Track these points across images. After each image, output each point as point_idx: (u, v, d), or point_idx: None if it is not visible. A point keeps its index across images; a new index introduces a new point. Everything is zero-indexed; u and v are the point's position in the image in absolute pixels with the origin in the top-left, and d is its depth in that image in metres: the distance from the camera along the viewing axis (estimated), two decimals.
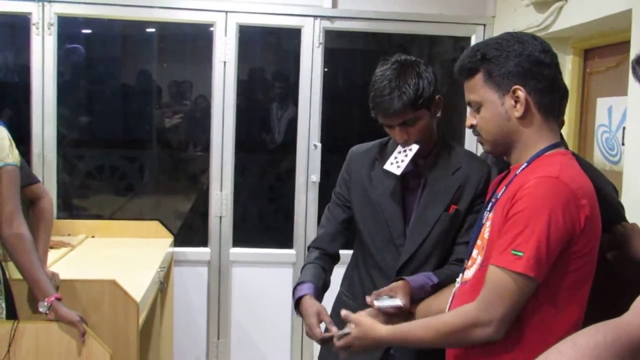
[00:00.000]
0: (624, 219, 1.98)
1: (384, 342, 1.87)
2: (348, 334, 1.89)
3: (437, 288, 2.14)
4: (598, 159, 3.24)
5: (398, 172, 2.17)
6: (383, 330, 1.83)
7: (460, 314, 1.68)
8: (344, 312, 1.95)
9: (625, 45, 2.80)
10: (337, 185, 2.45)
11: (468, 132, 4.20)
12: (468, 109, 1.83)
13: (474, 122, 1.79)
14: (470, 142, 4.19)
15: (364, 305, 2.19)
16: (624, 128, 2.93)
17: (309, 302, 2.18)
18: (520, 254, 1.55)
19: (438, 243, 2.23)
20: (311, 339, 2.13)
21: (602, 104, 3.26)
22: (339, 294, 2.46)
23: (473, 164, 2.28)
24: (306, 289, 2.23)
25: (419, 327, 1.77)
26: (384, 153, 2.32)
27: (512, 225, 1.59)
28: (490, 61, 1.72)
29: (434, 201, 2.23)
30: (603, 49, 3.30)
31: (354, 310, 2.15)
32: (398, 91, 2.11)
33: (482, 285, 1.68)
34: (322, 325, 2.14)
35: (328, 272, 2.36)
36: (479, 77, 1.74)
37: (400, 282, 2.10)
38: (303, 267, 2.36)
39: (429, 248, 2.21)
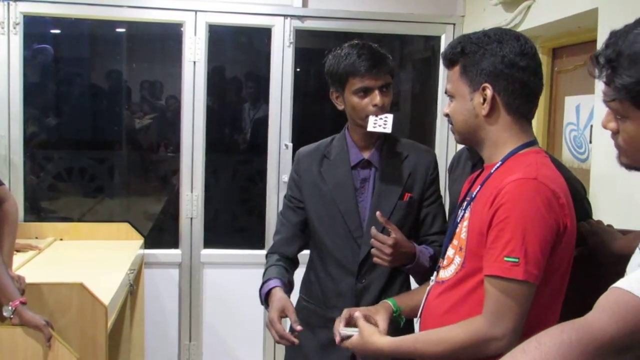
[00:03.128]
0: (589, 215, 2.00)
1: (385, 354, 1.78)
2: (350, 336, 1.83)
3: (433, 260, 2.15)
4: (567, 157, 3.26)
5: (388, 130, 2.17)
6: (384, 342, 1.75)
7: (470, 329, 1.62)
8: (356, 314, 1.86)
9: (592, 44, 2.82)
10: (287, 189, 2.47)
11: (439, 131, 4.22)
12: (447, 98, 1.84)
13: (448, 111, 1.80)
14: (441, 143, 4.21)
15: (325, 307, 2.18)
16: (591, 126, 2.95)
17: (277, 295, 2.16)
18: (516, 260, 1.53)
19: None
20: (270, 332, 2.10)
21: (570, 102, 3.28)
22: (298, 299, 2.46)
23: (419, 152, 2.36)
24: (273, 283, 2.23)
25: (426, 343, 1.69)
26: (330, 150, 2.36)
27: (500, 232, 1.57)
28: (467, 56, 1.72)
29: (387, 190, 2.26)
30: (571, 47, 3.33)
31: (314, 312, 2.15)
32: (387, 54, 2.25)
33: (462, 287, 1.69)
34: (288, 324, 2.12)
35: (290, 272, 2.36)
36: (456, 69, 1.76)
37: (385, 303, 2.04)
38: (265, 271, 2.34)
39: None
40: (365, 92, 2.20)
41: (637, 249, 1.37)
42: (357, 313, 1.87)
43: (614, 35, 1.32)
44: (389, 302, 2.02)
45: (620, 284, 1.15)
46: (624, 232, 1.87)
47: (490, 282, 1.58)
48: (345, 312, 1.95)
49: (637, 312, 1.09)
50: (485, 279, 1.60)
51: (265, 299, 2.21)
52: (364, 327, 1.82)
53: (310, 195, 2.35)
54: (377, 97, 2.19)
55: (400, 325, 2.02)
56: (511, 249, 1.54)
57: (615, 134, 1.38)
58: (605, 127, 1.39)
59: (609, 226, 1.92)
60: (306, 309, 2.37)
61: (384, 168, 2.29)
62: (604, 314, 1.14)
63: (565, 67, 3.37)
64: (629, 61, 1.27)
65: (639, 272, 1.14)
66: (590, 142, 2.95)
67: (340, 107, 2.30)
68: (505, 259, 1.54)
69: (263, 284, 2.26)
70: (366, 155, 2.31)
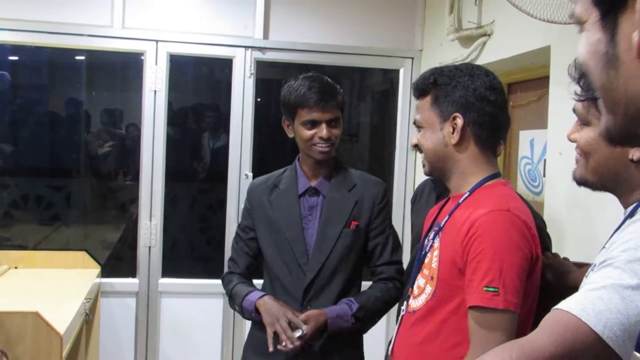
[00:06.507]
0: (548, 248, 2.05)
1: None
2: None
3: (360, 315, 2.21)
4: (521, 190, 3.33)
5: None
6: None
7: None
8: None
9: (545, 80, 2.91)
10: (241, 219, 2.54)
11: (397, 162, 4.27)
12: (415, 129, 1.88)
13: (417, 141, 1.85)
14: (399, 174, 4.26)
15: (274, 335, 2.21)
16: (544, 160, 3.03)
17: (272, 301, 2.24)
18: (495, 289, 1.56)
19: (342, 260, 2.30)
20: (283, 335, 2.14)
21: (525, 137, 3.36)
22: (251, 329, 2.49)
23: (368, 183, 2.42)
24: (257, 294, 2.30)
25: None
26: (281, 179, 2.43)
27: (478, 264, 1.60)
28: (439, 87, 1.78)
29: (333, 218, 2.32)
30: (525, 83, 3.41)
31: (265, 339, 2.18)
32: (337, 89, 2.32)
33: (435, 316, 1.72)
34: None
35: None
36: (427, 99, 1.81)
37: (314, 311, 2.18)
38: (233, 288, 2.37)
39: (332, 265, 2.28)
40: (313, 124, 2.27)
41: (585, 277, 1.42)
42: None
43: None
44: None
45: (560, 305, 1.20)
46: (579, 265, 1.91)
47: (473, 314, 1.61)
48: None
49: (575, 330, 1.13)
50: (469, 312, 1.63)
51: (256, 309, 2.26)
52: None
53: (261, 223, 2.41)
54: (323, 130, 2.26)
55: None
56: (490, 279, 1.57)
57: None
58: (569, 137, 1.46)
59: (565, 259, 1.96)
60: (257, 336, 2.40)
61: (331, 196, 2.36)
62: (544, 333, 1.19)
63: (520, 102, 3.45)
64: None
65: (579, 294, 1.19)
66: (544, 175, 3.03)
67: (291, 135, 2.37)
68: (485, 288, 1.57)
69: (244, 297, 2.30)
70: (314, 183, 2.37)
